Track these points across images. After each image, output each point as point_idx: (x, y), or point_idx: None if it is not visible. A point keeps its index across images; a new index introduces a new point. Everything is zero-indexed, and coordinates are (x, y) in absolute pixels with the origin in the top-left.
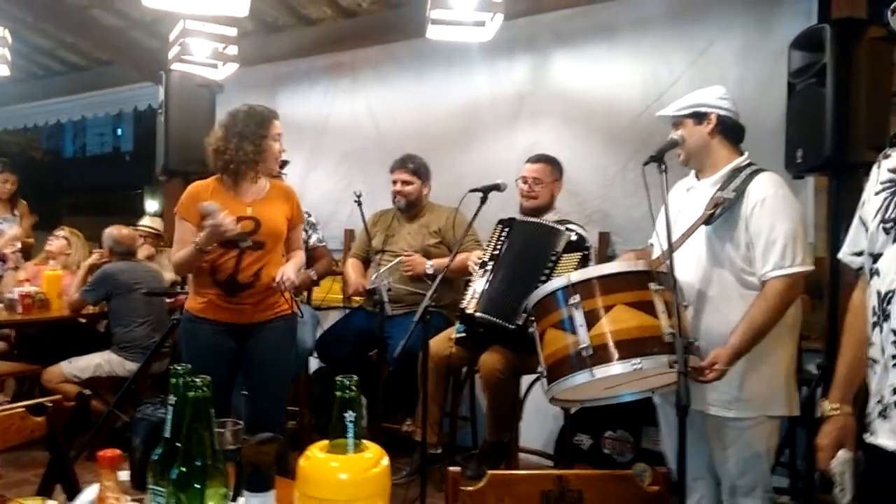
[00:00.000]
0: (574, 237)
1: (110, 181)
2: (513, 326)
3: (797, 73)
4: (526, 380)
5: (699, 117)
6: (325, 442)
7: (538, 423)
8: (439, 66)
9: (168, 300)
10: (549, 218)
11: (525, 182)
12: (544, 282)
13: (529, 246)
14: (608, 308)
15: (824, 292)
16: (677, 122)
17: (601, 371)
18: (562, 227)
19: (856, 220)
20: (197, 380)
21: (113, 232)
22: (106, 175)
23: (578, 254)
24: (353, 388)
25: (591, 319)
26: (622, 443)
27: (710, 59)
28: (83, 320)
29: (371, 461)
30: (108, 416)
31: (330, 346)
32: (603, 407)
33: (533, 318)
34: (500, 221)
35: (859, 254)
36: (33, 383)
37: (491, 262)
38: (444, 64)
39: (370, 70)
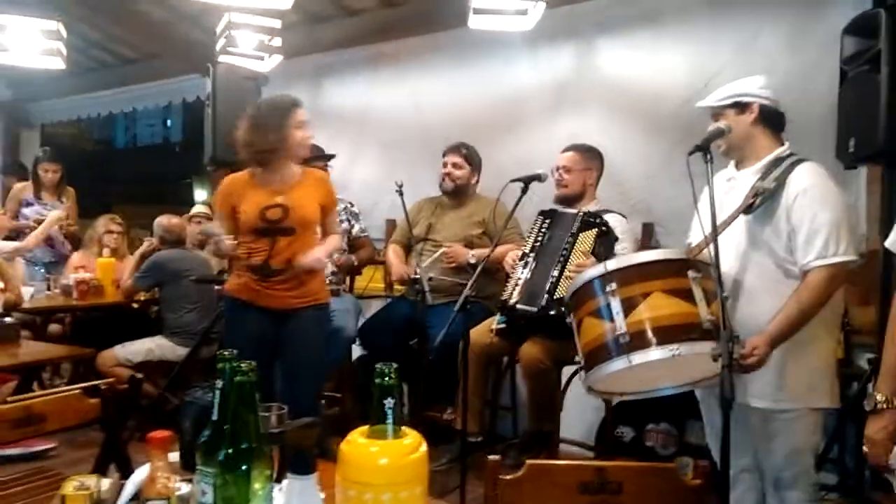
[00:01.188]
0: (582, 216)
1: (160, 171)
2: (535, 309)
3: (850, 60)
4: (567, 371)
5: (741, 107)
6: (366, 427)
7: (580, 413)
8: (481, 55)
9: (217, 287)
10: (588, 207)
11: (556, 171)
12: (562, 264)
13: (557, 234)
14: (645, 295)
15: (876, 285)
16: (718, 112)
17: (639, 357)
18: (577, 211)
19: None
20: (243, 365)
21: (163, 221)
22: (156, 165)
23: (594, 230)
24: (393, 375)
25: (628, 307)
26: (665, 436)
27: (757, 47)
28: (136, 306)
29: (410, 447)
30: (159, 399)
31: (372, 335)
32: (646, 399)
33: (570, 309)
34: (542, 213)
35: None
36: (88, 367)
37: (532, 254)
38: (486, 53)
39: (412, 60)
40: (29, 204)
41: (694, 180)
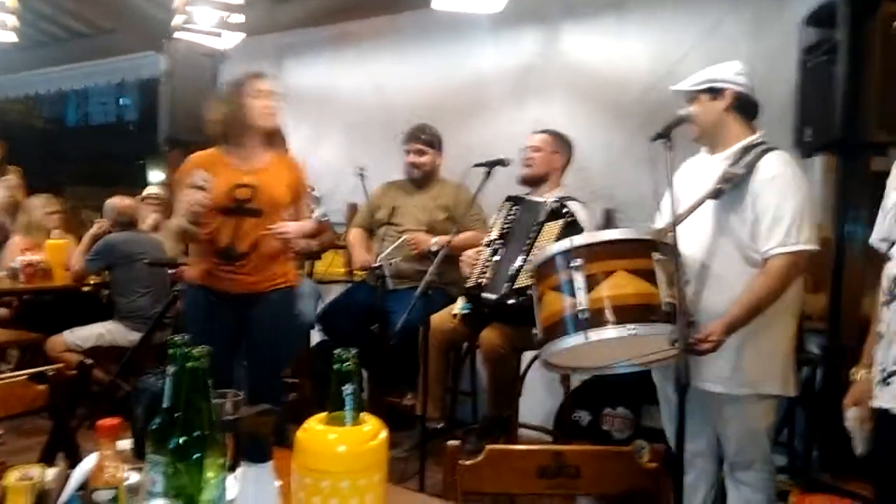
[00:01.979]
0: (554, 205)
1: (113, 151)
2: (494, 296)
3: (809, 50)
4: (527, 356)
5: (715, 93)
6: (324, 414)
7: (538, 398)
8: (446, 37)
9: (171, 271)
10: (552, 192)
11: (525, 150)
12: (525, 253)
13: (523, 223)
14: (608, 273)
15: (828, 273)
16: (692, 97)
17: (595, 334)
18: (543, 199)
19: (881, 209)
20: (195, 350)
21: (115, 202)
22: (109, 144)
23: (560, 221)
24: (352, 360)
25: (591, 283)
26: (622, 420)
27: (720, 34)
28: (87, 289)
29: (369, 434)
30: (110, 385)
31: (332, 320)
32: (603, 383)
33: (533, 280)
34: (509, 198)
35: (884, 240)
36: (36, 352)
37: (500, 241)
38: (451, 35)
39: (376, 41)
40: None
41: (656, 167)
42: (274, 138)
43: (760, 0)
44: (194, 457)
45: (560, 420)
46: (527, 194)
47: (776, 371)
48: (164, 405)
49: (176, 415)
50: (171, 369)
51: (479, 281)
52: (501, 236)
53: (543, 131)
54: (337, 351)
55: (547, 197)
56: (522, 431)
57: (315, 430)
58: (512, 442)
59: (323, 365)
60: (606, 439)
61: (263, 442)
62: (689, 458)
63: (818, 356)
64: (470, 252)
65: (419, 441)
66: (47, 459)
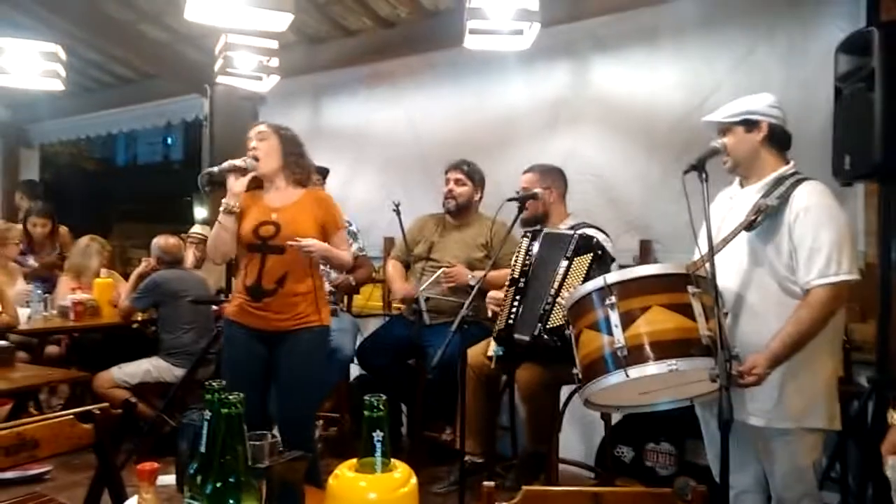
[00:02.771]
0: (577, 238)
1: (160, 189)
2: (527, 338)
3: (844, 78)
4: (566, 390)
5: (750, 125)
6: (354, 460)
7: (580, 434)
8: (477, 74)
9: (214, 308)
10: (564, 223)
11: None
12: (556, 289)
13: (549, 256)
14: (644, 309)
15: (876, 301)
16: (725, 128)
17: (636, 371)
18: (571, 232)
19: None
20: (231, 396)
21: (160, 242)
22: (156, 183)
23: (590, 255)
24: (382, 407)
25: (627, 320)
26: (665, 455)
27: (753, 64)
28: (135, 326)
29: (399, 481)
30: (155, 421)
31: (370, 354)
32: (645, 418)
33: (569, 321)
34: (525, 235)
35: None
36: (86, 388)
37: (522, 279)
38: (482, 72)
39: (409, 79)
40: (23, 254)
41: (690, 198)
42: (302, 175)
43: (793, 28)
44: (230, 502)
45: (602, 456)
46: (539, 229)
47: (820, 404)
48: (201, 450)
49: (212, 460)
50: (207, 414)
51: (509, 322)
52: (523, 273)
53: (528, 169)
54: (367, 397)
55: (561, 227)
56: (563, 467)
57: (346, 478)
58: (552, 478)
59: (362, 399)
60: (650, 476)
61: (294, 488)
62: (735, 495)
63: (868, 388)
64: (494, 293)
65: (459, 476)
66: (93, 497)
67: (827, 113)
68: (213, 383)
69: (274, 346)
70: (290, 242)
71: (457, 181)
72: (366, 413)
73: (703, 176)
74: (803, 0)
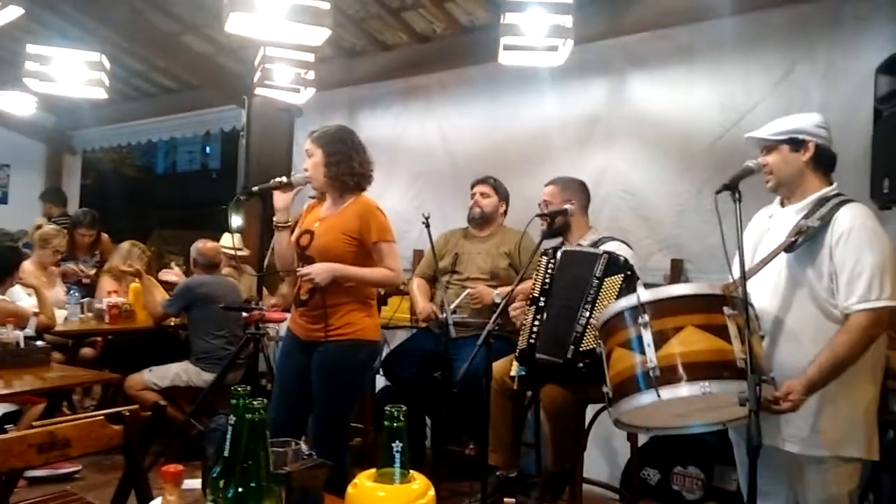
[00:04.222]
0: (607, 258)
1: (198, 196)
2: (560, 360)
3: (884, 99)
4: (592, 409)
5: (796, 144)
6: (373, 470)
7: (605, 454)
8: (512, 89)
9: (244, 315)
10: (586, 237)
11: (540, 206)
12: (589, 311)
13: (573, 276)
14: (678, 329)
15: None
16: (770, 146)
17: (668, 392)
18: (598, 251)
19: None
20: (255, 402)
21: (198, 245)
22: (194, 191)
23: (620, 275)
24: (402, 417)
25: (660, 340)
26: (692, 479)
27: (791, 84)
28: (168, 330)
29: (417, 492)
30: (184, 425)
31: (395, 366)
32: (673, 441)
33: (600, 339)
34: (545, 253)
35: None
36: (117, 389)
37: (542, 298)
38: (517, 87)
39: (443, 94)
40: (64, 260)
41: (722, 218)
42: (346, 181)
43: (833, 49)
44: None
45: (627, 478)
46: (560, 245)
47: (857, 433)
48: (225, 454)
49: (235, 464)
50: (232, 419)
51: (530, 341)
52: (543, 293)
53: (550, 182)
54: (387, 408)
55: (581, 242)
56: (587, 488)
57: (365, 487)
58: (576, 499)
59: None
60: (676, 500)
61: (314, 496)
62: None
63: None
64: (515, 307)
65: (489, 491)
66: (120, 497)
67: (866, 135)
68: (240, 388)
69: (310, 355)
70: (298, 271)
71: (482, 193)
72: (386, 423)
73: (737, 196)
74: (844, 21)
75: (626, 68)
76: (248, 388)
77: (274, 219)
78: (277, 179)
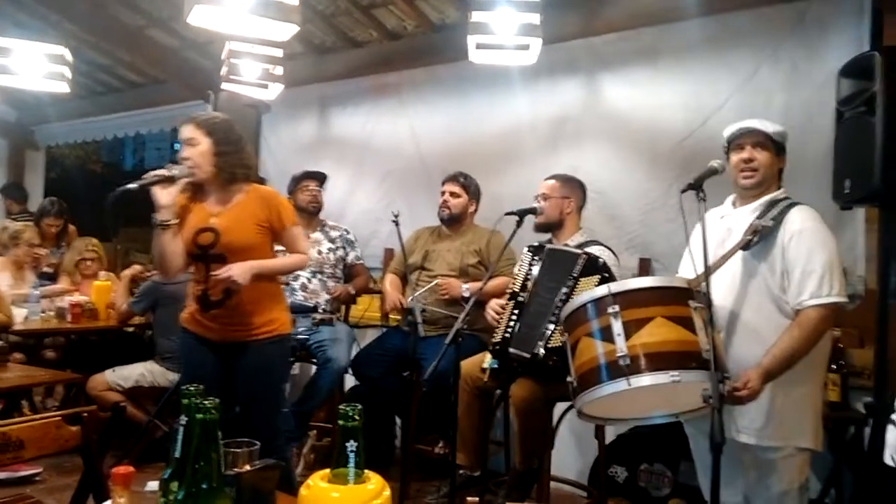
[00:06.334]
0: (586, 259)
1: None
2: (529, 355)
3: (846, 101)
4: (561, 407)
5: (781, 150)
6: (327, 471)
7: (573, 452)
8: (482, 88)
9: None
10: (573, 237)
11: (536, 199)
12: (560, 309)
13: (554, 274)
14: (647, 320)
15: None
16: (763, 143)
17: (637, 380)
18: (579, 251)
19: None
20: (207, 402)
21: None
22: None
23: (597, 276)
24: (356, 417)
25: (630, 330)
26: (659, 476)
27: (756, 86)
28: (131, 329)
29: (372, 492)
30: (147, 426)
31: (365, 365)
32: (640, 439)
33: (564, 330)
34: (529, 248)
35: None
36: (80, 389)
37: (522, 293)
38: (488, 86)
39: (414, 91)
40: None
41: (686, 217)
42: (239, 172)
43: (797, 51)
44: None
45: (595, 475)
46: (548, 241)
47: (808, 424)
48: (176, 455)
49: (186, 465)
50: (183, 419)
51: (505, 336)
52: (524, 288)
53: (552, 177)
54: (341, 407)
55: (568, 242)
56: (555, 486)
57: (318, 488)
58: (544, 496)
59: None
60: (643, 497)
61: (265, 497)
62: None
63: (863, 414)
64: (494, 303)
65: (451, 489)
66: (78, 500)
67: (828, 136)
68: (191, 388)
69: (231, 358)
70: (212, 274)
71: (452, 193)
72: (340, 423)
73: (701, 195)
74: (807, 24)
75: (595, 69)
76: (201, 387)
77: (158, 217)
78: (159, 173)
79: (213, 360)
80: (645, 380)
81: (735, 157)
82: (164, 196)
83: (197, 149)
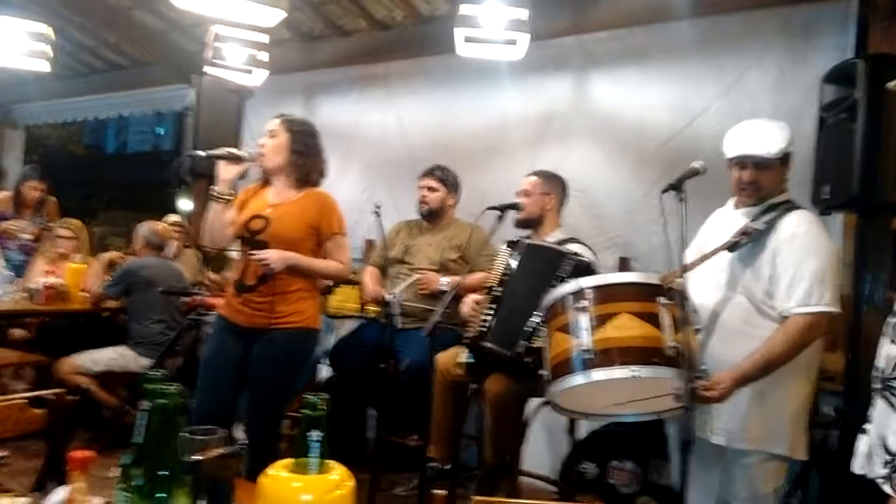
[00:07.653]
0: (575, 263)
1: (149, 178)
2: (508, 353)
3: (828, 108)
4: (534, 403)
5: (787, 159)
6: (290, 460)
7: (544, 447)
8: (470, 81)
9: (185, 300)
10: (553, 234)
11: (517, 195)
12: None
13: (537, 271)
14: (613, 315)
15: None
16: (767, 163)
17: (599, 374)
18: (566, 250)
19: None
20: (170, 387)
21: (150, 225)
22: (145, 172)
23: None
24: (322, 406)
25: (597, 324)
26: (628, 474)
27: (742, 89)
28: (106, 313)
29: (335, 483)
30: (117, 411)
31: (342, 356)
32: (610, 436)
33: (544, 322)
34: (508, 244)
35: None
36: (49, 372)
37: (500, 288)
38: (474, 80)
39: (401, 83)
40: (4, 218)
41: (667, 217)
42: (301, 175)
43: (784, 55)
44: (157, 496)
45: (566, 471)
46: (527, 237)
47: (784, 431)
48: (137, 441)
49: (146, 451)
50: (146, 404)
51: (481, 329)
52: (502, 283)
53: (534, 173)
54: (307, 395)
55: (548, 239)
56: (527, 481)
57: (279, 477)
58: (515, 490)
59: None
60: (612, 494)
61: (225, 485)
62: None
63: (833, 418)
64: (470, 298)
65: (420, 482)
66: (41, 485)
67: (811, 141)
68: (154, 373)
69: (250, 344)
70: (250, 254)
71: (429, 188)
72: (304, 412)
73: (681, 196)
74: (793, 29)
75: (583, 67)
76: (164, 371)
77: (214, 189)
78: (230, 150)
79: (235, 343)
80: (606, 373)
81: (736, 175)
82: (226, 171)
83: (274, 140)
